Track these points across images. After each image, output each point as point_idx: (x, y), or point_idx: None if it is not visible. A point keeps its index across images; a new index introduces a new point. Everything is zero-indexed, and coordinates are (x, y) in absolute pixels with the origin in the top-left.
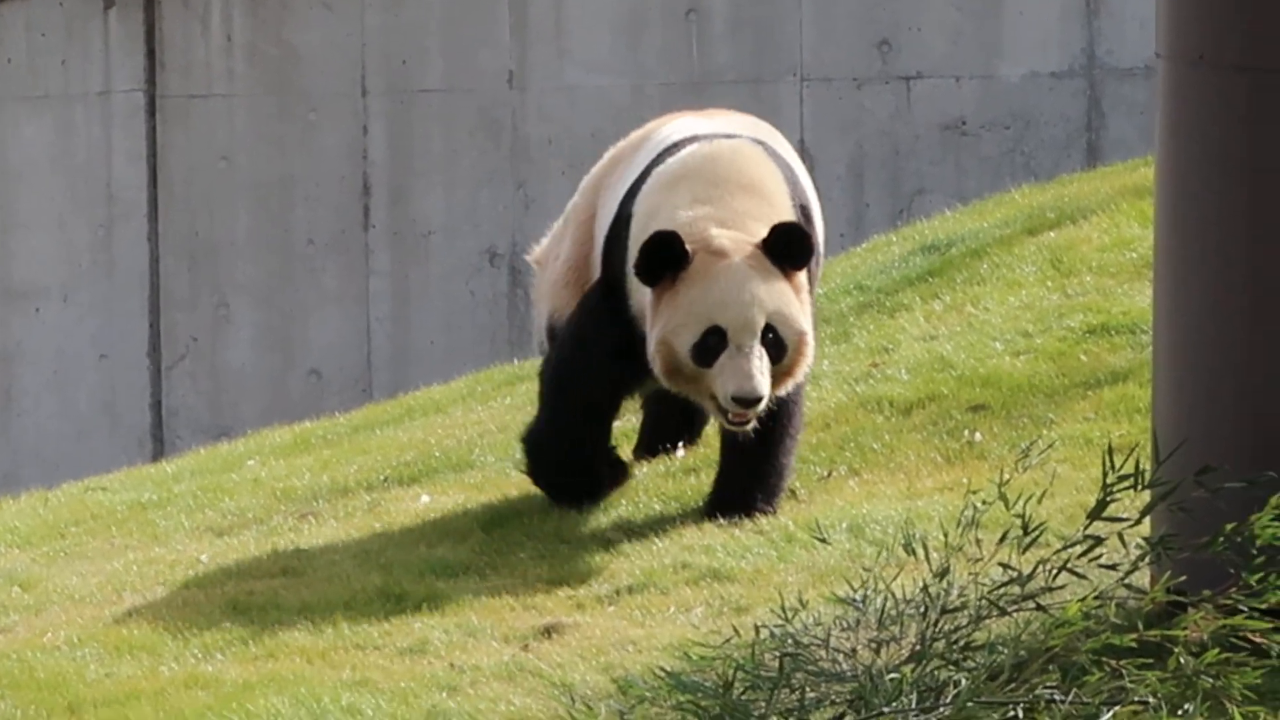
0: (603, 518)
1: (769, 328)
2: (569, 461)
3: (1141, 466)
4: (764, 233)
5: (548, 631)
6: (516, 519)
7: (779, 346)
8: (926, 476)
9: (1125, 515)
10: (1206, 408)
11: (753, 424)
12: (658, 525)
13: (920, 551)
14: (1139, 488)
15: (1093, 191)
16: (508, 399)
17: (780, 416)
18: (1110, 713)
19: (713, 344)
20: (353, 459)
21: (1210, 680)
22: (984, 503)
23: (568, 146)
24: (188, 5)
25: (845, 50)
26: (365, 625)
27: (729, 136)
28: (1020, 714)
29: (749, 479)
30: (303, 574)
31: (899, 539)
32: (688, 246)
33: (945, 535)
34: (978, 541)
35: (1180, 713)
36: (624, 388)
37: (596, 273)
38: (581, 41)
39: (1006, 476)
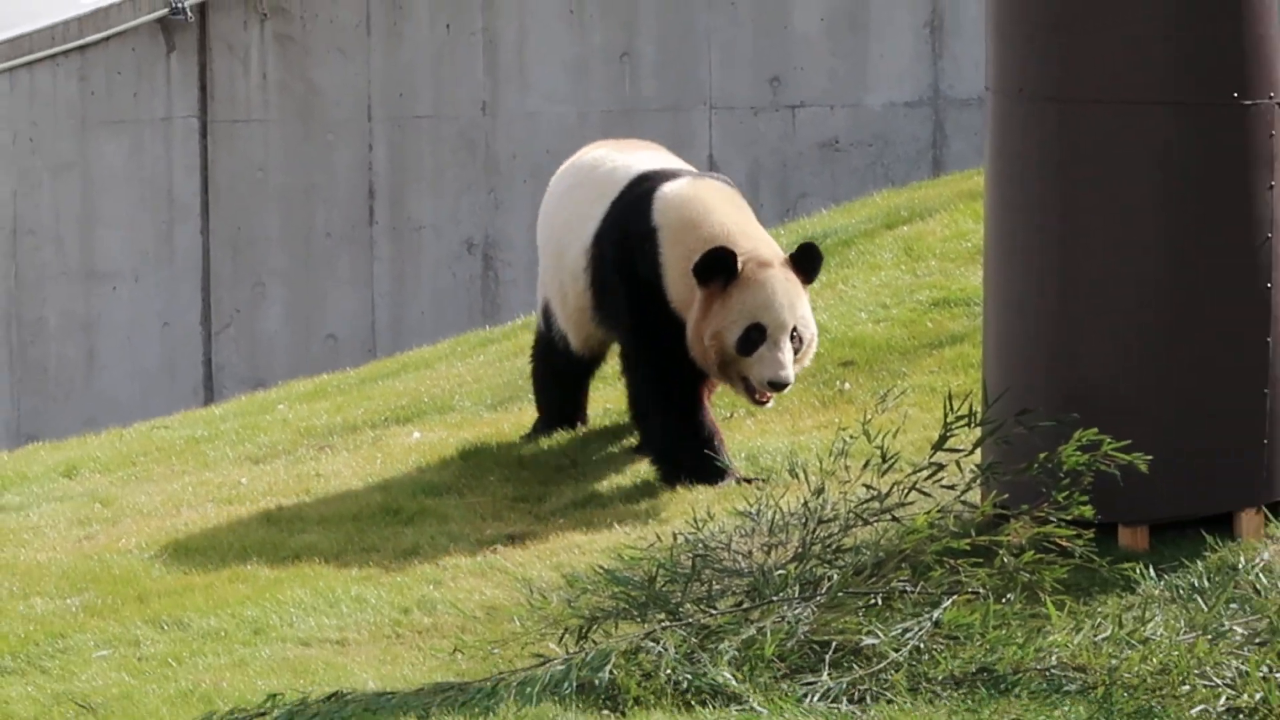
0: (559, 453)
1: (795, 329)
2: (698, 441)
3: (974, 409)
4: (777, 249)
5: (512, 538)
6: (488, 450)
7: (800, 342)
8: (807, 417)
9: (961, 447)
10: (1024, 365)
11: (772, 404)
12: (601, 460)
13: (801, 475)
14: (972, 426)
15: (937, 195)
16: (480, 357)
17: None
18: (949, 601)
19: (755, 338)
20: (360, 404)
21: (1027, 575)
22: (851, 437)
23: (529, 160)
24: (232, 50)
25: (744, 85)
26: (369, 533)
27: (678, 165)
28: (880, 602)
29: None
30: (320, 493)
31: (785, 465)
32: (740, 259)
33: (820, 463)
34: (846, 468)
35: (1003, 601)
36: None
37: (562, 280)
38: (539, 78)
39: (869, 417)
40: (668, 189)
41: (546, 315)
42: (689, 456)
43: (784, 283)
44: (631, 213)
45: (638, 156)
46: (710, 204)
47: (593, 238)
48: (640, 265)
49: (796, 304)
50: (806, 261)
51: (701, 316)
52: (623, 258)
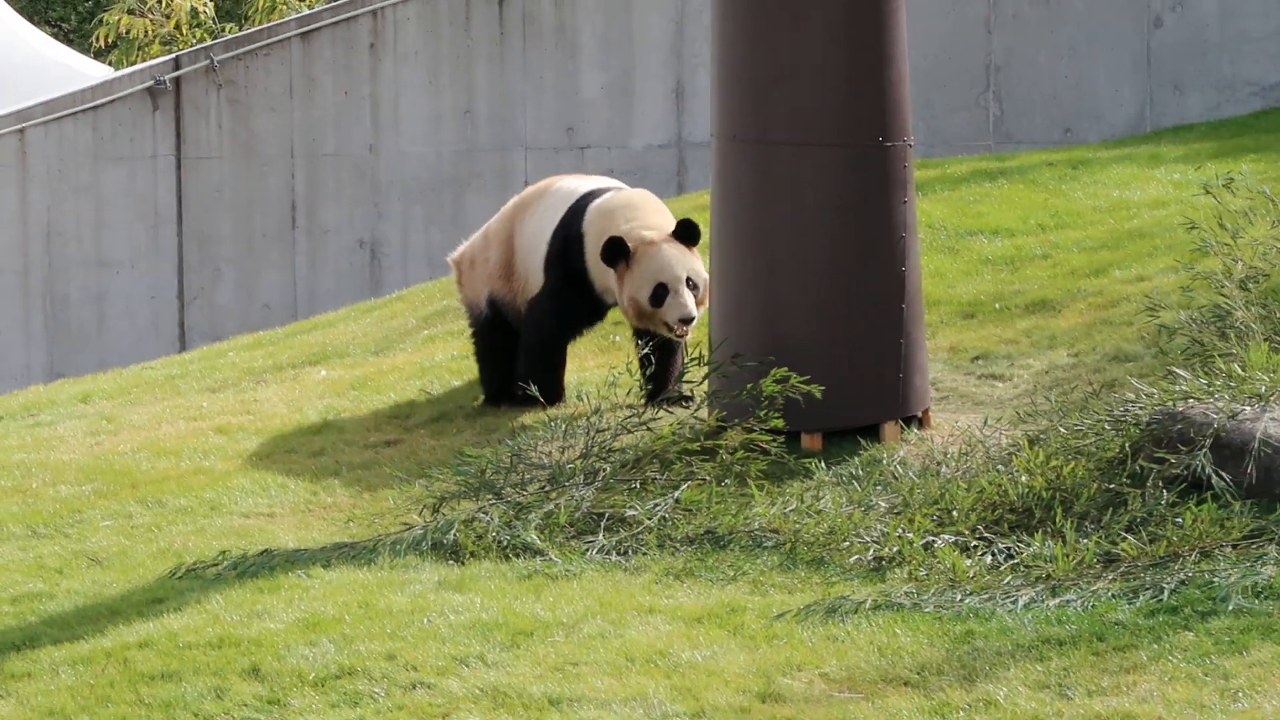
0: (420, 384)
1: (689, 279)
2: (553, 379)
3: (703, 355)
4: (664, 229)
5: (388, 443)
6: (373, 382)
7: (696, 288)
8: (590, 359)
9: (695, 380)
10: (737, 323)
11: (690, 335)
12: (450, 391)
13: (585, 399)
14: (702, 365)
15: (680, 208)
16: (366, 320)
17: (674, 345)
18: (685, 485)
19: (661, 293)
20: (284, 352)
21: (739, 467)
22: (618, 374)
23: (401, 185)
24: (198, 108)
25: (549, 132)
26: (290, 440)
27: (620, 187)
28: (639, 486)
29: (666, 375)
30: (257, 413)
31: (575, 394)
32: (629, 244)
33: (598, 390)
34: (615, 394)
35: (722, 485)
36: (578, 332)
37: (528, 272)
38: (408, 128)
39: (629, 360)
40: (593, 205)
41: (493, 304)
42: (547, 381)
43: (671, 249)
44: (571, 222)
45: (588, 182)
46: (617, 211)
47: (549, 239)
48: (573, 260)
49: (685, 261)
50: (685, 233)
51: (620, 289)
52: (562, 254)
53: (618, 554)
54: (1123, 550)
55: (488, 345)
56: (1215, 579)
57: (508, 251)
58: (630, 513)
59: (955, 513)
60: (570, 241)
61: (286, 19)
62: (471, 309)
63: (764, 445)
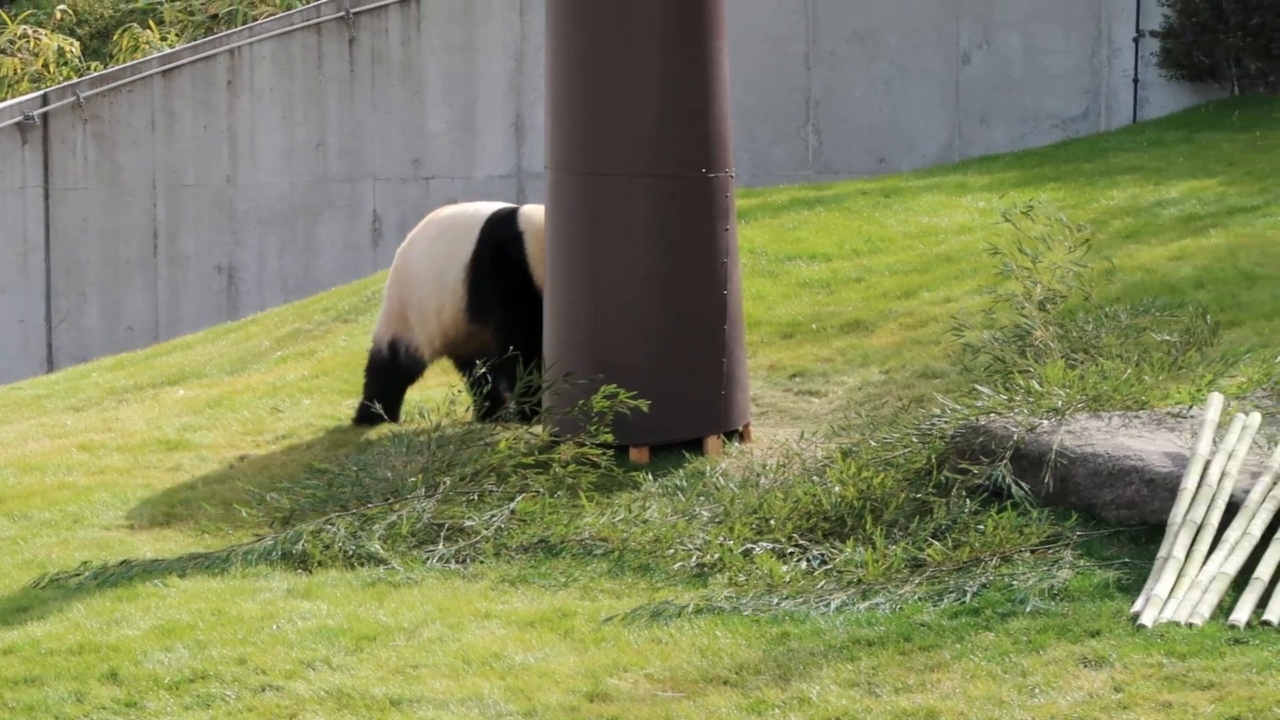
0: (271, 403)
1: None
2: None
3: (538, 373)
4: None
5: (242, 458)
6: (228, 401)
7: None
8: (431, 379)
9: (530, 398)
10: (569, 344)
11: None
12: (299, 407)
13: (427, 416)
14: (540, 383)
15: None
16: (223, 342)
17: (512, 363)
18: (521, 497)
19: None
20: (145, 372)
21: (571, 480)
22: (459, 391)
23: (257, 214)
24: (65, 142)
25: (396, 163)
26: (149, 456)
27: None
28: (477, 497)
29: (501, 393)
30: (120, 431)
31: (416, 411)
32: None
33: (439, 408)
34: (454, 411)
35: (555, 496)
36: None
37: (425, 300)
38: (264, 160)
39: (464, 381)
40: (522, 210)
41: (394, 347)
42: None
43: None
44: (501, 228)
45: (483, 204)
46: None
47: (470, 256)
48: (514, 258)
49: None
50: None
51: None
52: (500, 259)
53: (456, 562)
54: (929, 556)
55: (376, 379)
56: (1014, 582)
57: (401, 289)
58: (468, 523)
59: (773, 521)
60: (508, 243)
61: (149, 57)
62: (375, 347)
63: (594, 459)
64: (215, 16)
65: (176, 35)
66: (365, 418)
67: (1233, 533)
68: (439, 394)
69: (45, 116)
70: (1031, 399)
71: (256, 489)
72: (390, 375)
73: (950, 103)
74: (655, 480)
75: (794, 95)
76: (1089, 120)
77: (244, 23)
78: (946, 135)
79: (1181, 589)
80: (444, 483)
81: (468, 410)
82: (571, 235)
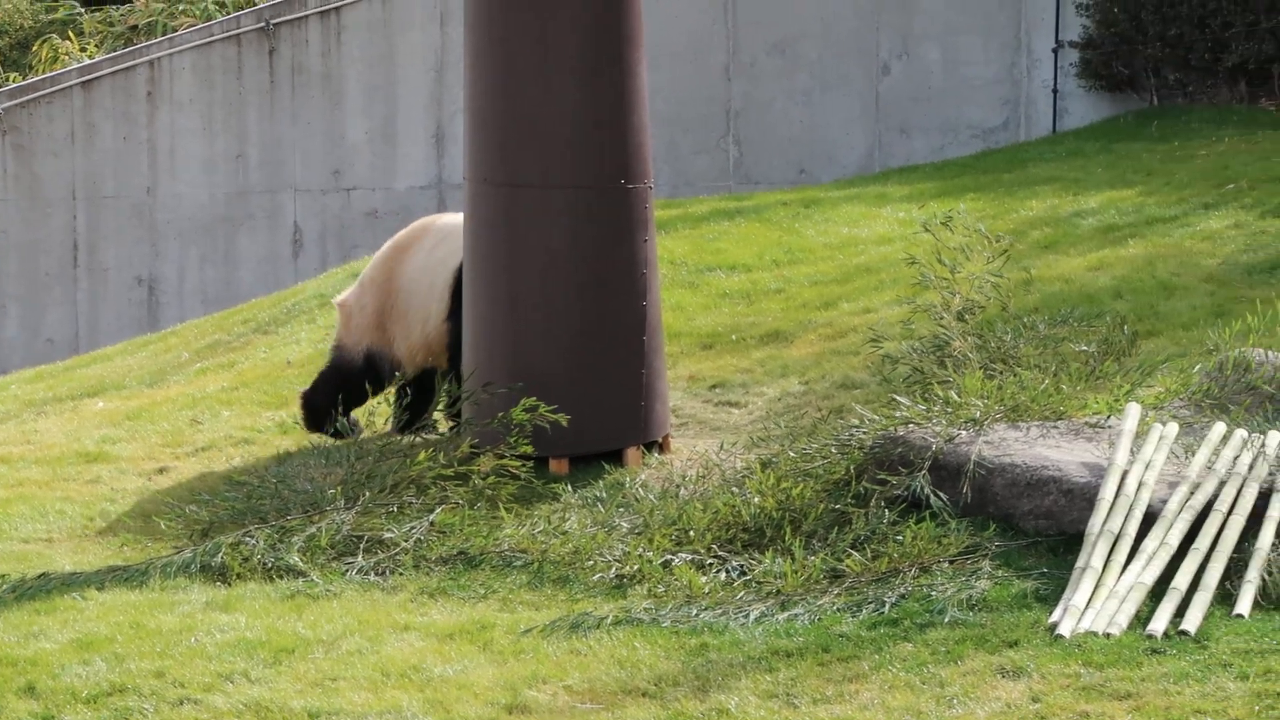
0: (191, 415)
1: None
2: None
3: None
4: None
5: (161, 470)
6: (147, 413)
7: None
8: None
9: (443, 409)
10: (488, 355)
11: None
12: (218, 419)
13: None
14: (458, 395)
15: None
16: (143, 354)
17: (429, 376)
18: (440, 508)
19: None
20: (65, 384)
21: (490, 491)
22: (376, 402)
23: (178, 225)
24: None
25: (317, 174)
26: (68, 468)
27: None
28: (396, 509)
29: (422, 407)
30: (38, 443)
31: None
32: None
33: (359, 421)
34: (373, 422)
35: (474, 508)
36: None
37: (411, 310)
38: (184, 171)
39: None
40: None
41: (371, 359)
42: None
43: None
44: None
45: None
46: None
47: (459, 264)
48: None
49: None
50: None
51: None
52: None
53: (376, 574)
54: (847, 566)
55: (340, 387)
56: (933, 593)
57: (384, 296)
58: (388, 535)
59: (692, 532)
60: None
61: (68, 68)
62: (344, 355)
63: (514, 470)
64: (135, 28)
65: (96, 46)
66: (335, 432)
67: (1150, 542)
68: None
69: None
70: (950, 409)
71: (175, 501)
72: (359, 386)
73: (870, 114)
74: (575, 491)
75: (714, 106)
76: (1009, 131)
77: (164, 34)
78: (867, 146)
79: (1099, 599)
80: (363, 495)
81: (386, 422)
82: (490, 246)
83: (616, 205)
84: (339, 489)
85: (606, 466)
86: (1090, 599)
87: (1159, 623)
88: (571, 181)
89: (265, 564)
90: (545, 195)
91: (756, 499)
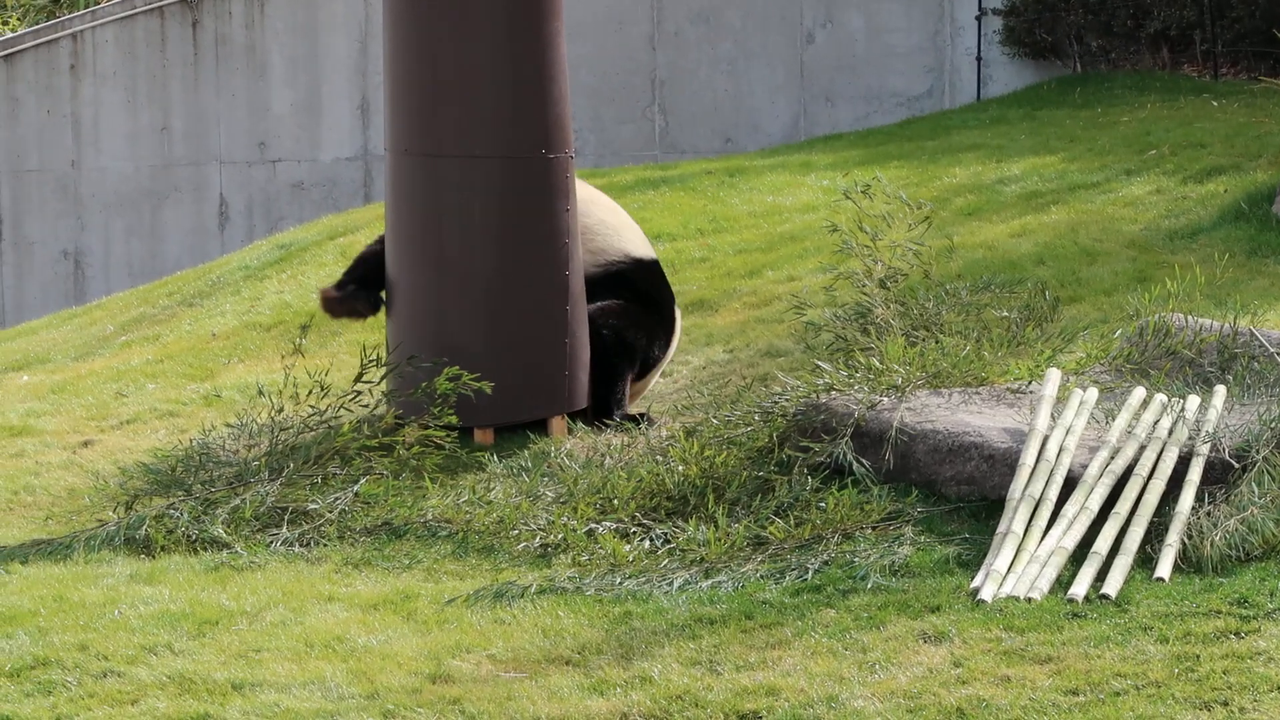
0: (116, 387)
1: None
2: None
3: (380, 356)
4: None
5: (86, 444)
6: (72, 386)
7: None
8: (277, 361)
9: (373, 380)
10: (412, 327)
11: None
12: (143, 392)
13: (269, 398)
14: (379, 367)
15: (364, 217)
16: (68, 327)
17: None
18: (364, 479)
19: None
20: None
21: (415, 462)
22: (299, 374)
23: (102, 199)
24: None
25: (242, 146)
26: None
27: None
28: (320, 480)
29: None
30: None
31: (257, 393)
32: None
33: (281, 391)
34: (297, 394)
35: (399, 479)
36: None
37: None
38: (108, 144)
39: (308, 361)
40: None
41: None
42: None
43: None
44: None
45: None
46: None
47: None
48: None
49: None
50: None
51: None
52: None
53: (300, 546)
54: (771, 534)
55: None
56: (856, 559)
57: None
58: (312, 506)
59: (616, 501)
60: None
61: None
62: None
63: (438, 440)
64: (57, 0)
65: (19, 19)
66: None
67: (1071, 507)
68: (281, 377)
69: None
70: (872, 376)
71: (101, 474)
72: None
73: (795, 82)
74: (500, 461)
75: (639, 76)
76: (933, 98)
77: (86, 6)
78: (792, 115)
79: (1020, 564)
80: (288, 466)
81: (310, 393)
82: (410, 218)
83: (538, 175)
84: (263, 460)
85: (532, 436)
86: (1012, 564)
87: (1080, 587)
88: (491, 152)
89: (189, 536)
90: (465, 166)
91: (680, 467)
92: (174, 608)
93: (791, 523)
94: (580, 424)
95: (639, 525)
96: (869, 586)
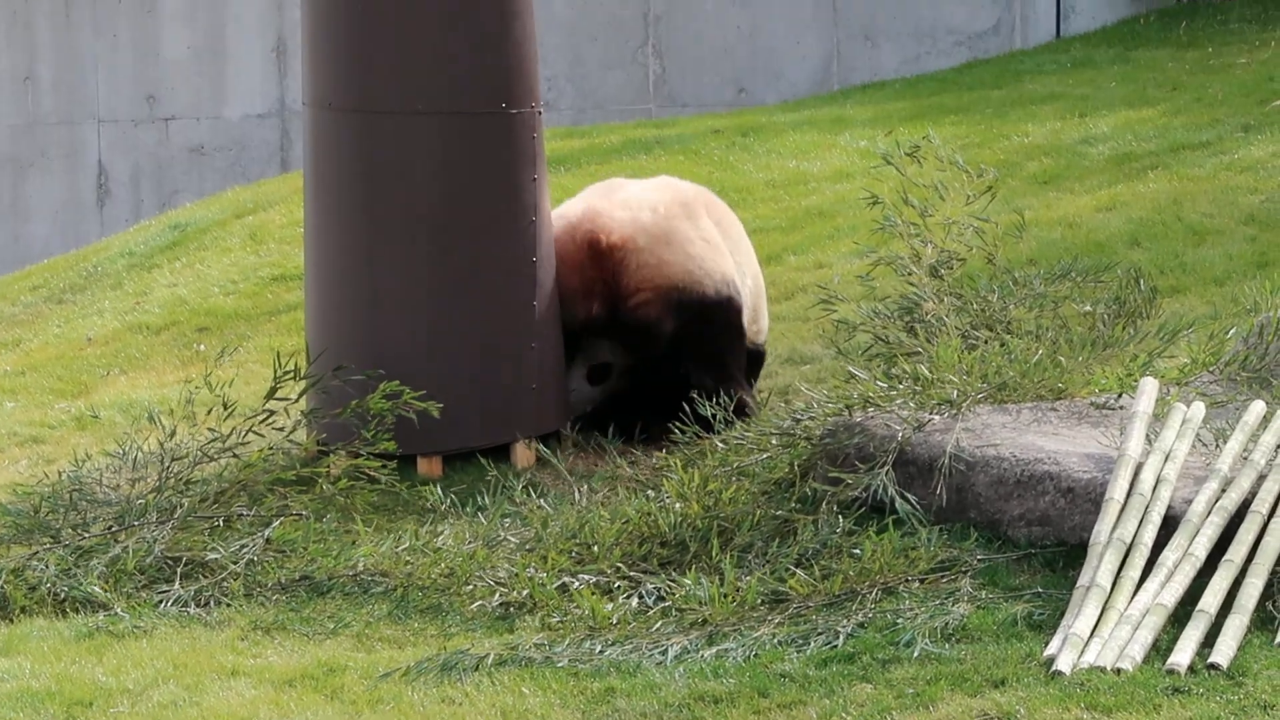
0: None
1: None
2: None
3: (299, 366)
4: None
5: None
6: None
7: None
8: (169, 374)
9: (289, 397)
10: (338, 330)
11: None
12: (4, 415)
13: (159, 421)
14: (298, 379)
15: (279, 190)
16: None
17: None
18: (278, 521)
19: None
20: None
21: (342, 499)
22: (196, 389)
23: None
24: None
25: (127, 101)
26: None
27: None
28: (222, 523)
29: None
30: None
31: (146, 416)
32: None
33: (173, 411)
34: (193, 415)
35: (322, 520)
36: None
37: None
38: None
39: (210, 372)
40: None
41: None
42: None
43: None
44: None
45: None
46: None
47: None
48: None
49: None
50: None
51: None
52: None
53: (196, 605)
54: (791, 588)
55: None
56: (899, 620)
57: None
58: (212, 556)
59: (597, 548)
60: None
61: None
62: None
63: (372, 472)
64: None
65: None
66: None
67: (1171, 554)
68: (176, 393)
69: None
70: (920, 388)
71: None
72: None
73: (826, 17)
74: (449, 498)
75: (629, 9)
76: (1000, 37)
77: None
78: (822, 58)
79: (1107, 626)
80: (181, 505)
81: (210, 413)
82: (336, 189)
83: (496, 135)
84: (150, 498)
85: (489, 466)
86: (1096, 626)
87: (1182, 655)
88: (438, 106)
89: (57, 594)
90: (404, 123)
91: (678, 505)
92: (37, 685)
93: (817, 574)
94: (552, 450)
95: (625, 578)
96: (915, 655)
